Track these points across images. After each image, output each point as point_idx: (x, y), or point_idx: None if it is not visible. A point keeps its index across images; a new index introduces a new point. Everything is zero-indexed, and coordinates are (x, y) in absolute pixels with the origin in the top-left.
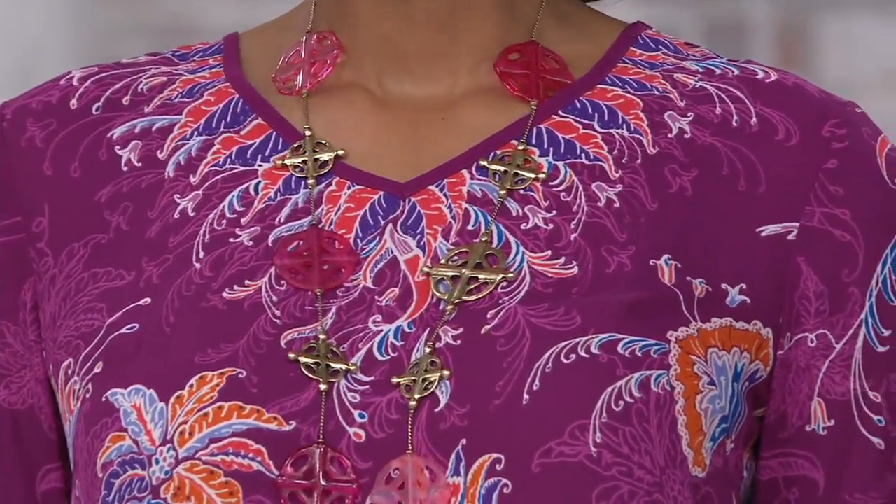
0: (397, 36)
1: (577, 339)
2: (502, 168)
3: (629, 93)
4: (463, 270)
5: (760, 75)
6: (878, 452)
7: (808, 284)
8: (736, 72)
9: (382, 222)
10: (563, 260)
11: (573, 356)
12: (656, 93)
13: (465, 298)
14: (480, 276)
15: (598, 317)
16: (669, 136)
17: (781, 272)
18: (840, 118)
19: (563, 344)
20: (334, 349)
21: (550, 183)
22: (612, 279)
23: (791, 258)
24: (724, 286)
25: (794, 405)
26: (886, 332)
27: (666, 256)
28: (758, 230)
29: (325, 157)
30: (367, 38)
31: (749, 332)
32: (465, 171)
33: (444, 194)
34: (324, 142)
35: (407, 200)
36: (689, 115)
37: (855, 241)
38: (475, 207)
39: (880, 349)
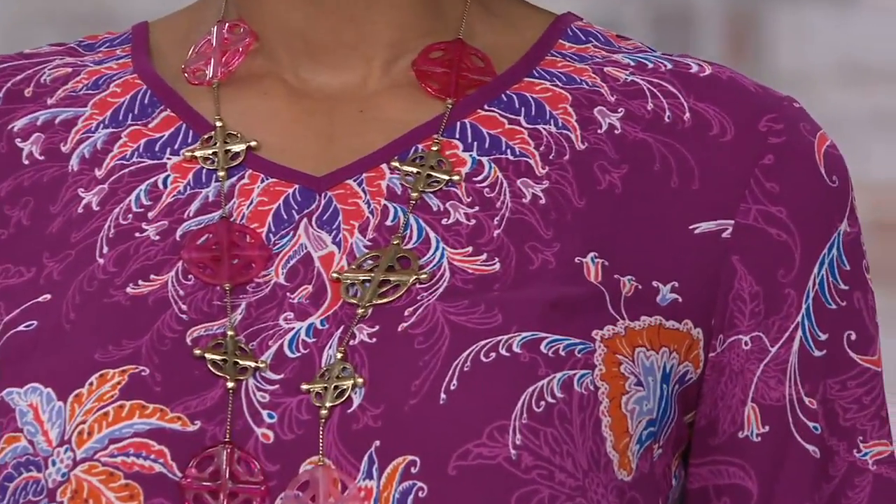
0: (307, 26)
1: (499, 338)
2: (415, 170)
3: (557, 86)
4: (374, 274)
5: (694, 69)
6: (813, 461)
7: (743, 285)
8: (669, 66)
9: (297, 217)
10: (484, 256)
11: (493, 355)
12: (585, 87)
13: (377, 301)
14: (392, 279)
15: (521, 314)
16: (599, 131)
17: (715, 271)
18: (777, 113)
19: (483, 342)
20: (243, 346)
21: (474, 179)
22: (535, 276)
23: (725, 257)
24: (654, 283)
25: (727, 410)
26: (823, 336)
27: (592, 254)
28: (691, 227)
29: (236, 148)
30: (278, 28)
31: (679, 331)
32: (384, 166)
33: (363, 189)
34: (235, 133)
35: (323, 195)
36: (619, 110)
37: (791, 241)
38: (394, 204)
39: (816, 353)
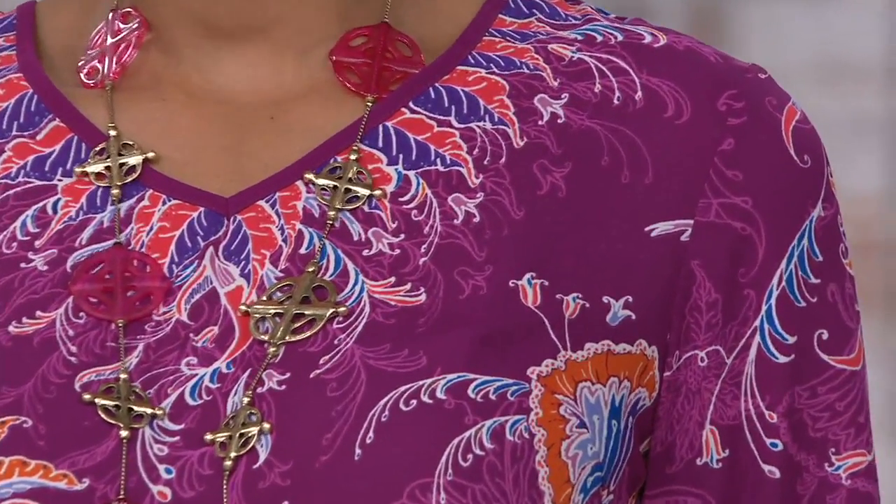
0: (207, 12)
1: (420, 382)
2: (331, 183)
3: (494, 74)
4: (287, 306)
5: (647, 39)
6: (774, 483)
7: (701, 293)
8: (620, 37)
9: (202, 244)
10: (408, 286)
11: (414, 402)
12: (526, 71)
13: (290, 339)
14: (307, 312)
15: (446, 354)
16: (540, 123)
17: (673, 280)
18: (738, 88)
19: (403, 388)
20: (138, 391)
21: (400, 199)
22: (464, 307)
23: (684, 263)
24: (605, 300)
25: (683, 434)
26: (790, 339)
27: (529, 275)
28: (647, 230)
29: (132, 161)
30: (173, 14)
31: (631, 354)
32: (300, 184)
33: (276, 212)
34: (131, 143)
35: (231, 219)
36: (563, 96)
37: (755, 234)
38: (311, 229)
39: (781, 360)
